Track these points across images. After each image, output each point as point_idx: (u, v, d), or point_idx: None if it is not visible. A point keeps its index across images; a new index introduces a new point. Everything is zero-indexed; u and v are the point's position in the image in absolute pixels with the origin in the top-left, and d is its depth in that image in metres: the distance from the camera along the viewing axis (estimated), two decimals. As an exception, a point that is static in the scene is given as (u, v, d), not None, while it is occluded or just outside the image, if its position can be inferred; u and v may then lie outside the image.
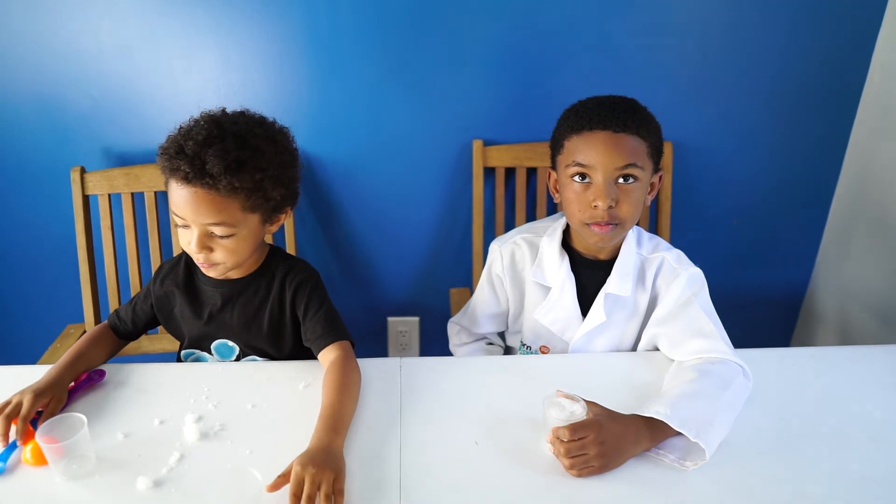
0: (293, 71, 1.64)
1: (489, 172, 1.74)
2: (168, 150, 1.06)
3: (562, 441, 0.93)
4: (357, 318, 1.97)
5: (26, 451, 0.96)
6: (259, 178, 1.07)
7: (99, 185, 1.63)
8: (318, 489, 0.86)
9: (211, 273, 1.16)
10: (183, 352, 1.27)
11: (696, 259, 1.89)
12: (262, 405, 1.08)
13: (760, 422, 1.06)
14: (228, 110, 1.13)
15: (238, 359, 1.25)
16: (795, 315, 2.08)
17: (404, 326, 1.99)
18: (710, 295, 1.91)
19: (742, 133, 1.77)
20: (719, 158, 1.80)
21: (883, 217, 1.72)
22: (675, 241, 1.82)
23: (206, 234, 1.09)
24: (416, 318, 1.99)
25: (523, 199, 1.74)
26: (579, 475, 0.93)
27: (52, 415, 1.00)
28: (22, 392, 1.03)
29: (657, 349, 1.24)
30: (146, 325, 1.28)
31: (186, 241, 1.11)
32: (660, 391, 1.10)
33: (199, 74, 1.64)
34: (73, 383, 1.11)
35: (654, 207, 1.79)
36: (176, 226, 1.12)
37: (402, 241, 1.86)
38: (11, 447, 0.98)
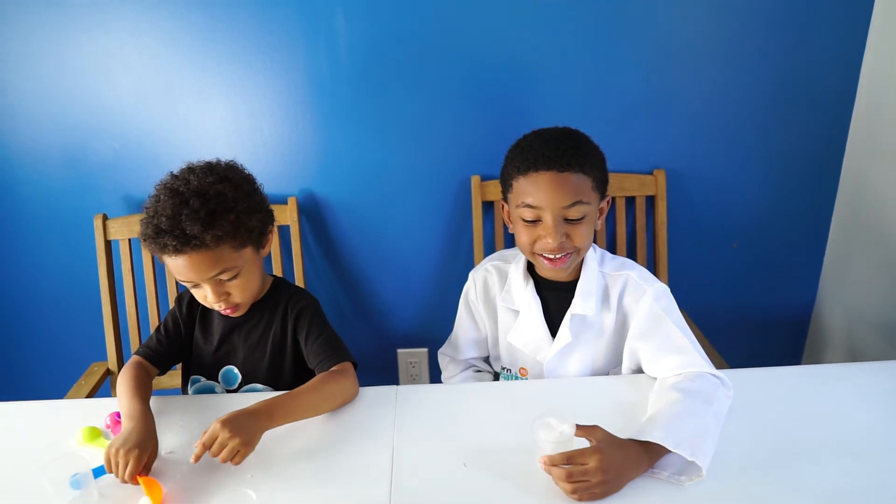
0: (298, 118, 1.74)
1: (488, 206, 1.81)
2: (149, 235, 1.12)
3: (561, 467, 0.95)
4: (368, 351, 2.03)
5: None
6: (234, 217, 1.14)
7: (120, 230, 1.74)
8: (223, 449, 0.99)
9: (237, 314, 1.25)
10: (191, 377, 1.35)
11: (697, 283, 1.95)
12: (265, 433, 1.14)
13: (752, 437, 1.09)
14: (175, 171, 1.19)
15: (240, 386, 1.32)
16: (804, 335, 2.08)
17: (413, 357, 2.05)
18: (714, 317, 1.96)
19: (736, 157, 1.81)
20: (714, 183, 1.84)
21: (882, 232, 1.72)
22: (675, 267, 1.88)
23: (217, 283, 1.17)
24: (425, 349, 2.04)
25: (522, 230, 1.80)
26: (580, 499, 0.96)
27: (150, 466, 1.05)
28: (124, 452, 1.02)
29: (640, 365, 1.26)
30: (179, 349, 1.34)
31: (202, 296, 1.20)
32: (646, 412, 1.13)
33: (212, 124, 1.74)
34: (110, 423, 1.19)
35: (651, 234, 1.84)
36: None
37: (407, 274, 1.93)
38: (101, 471, 1.04)
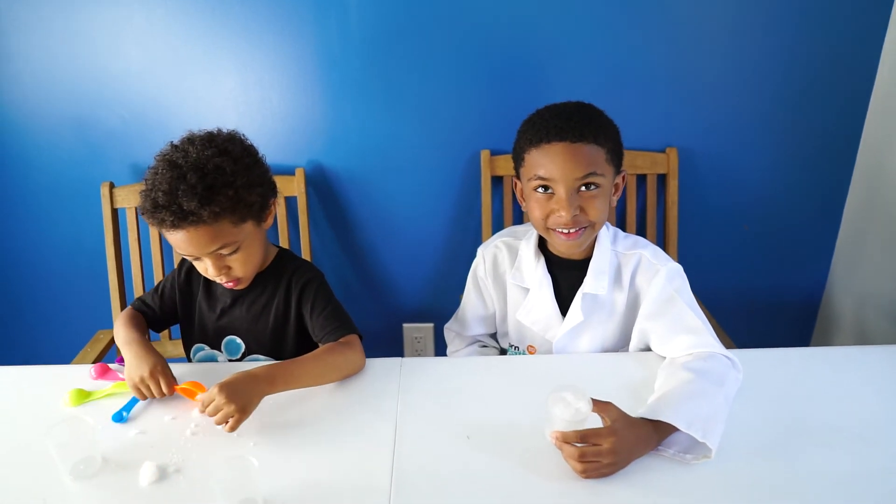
0: (308, 89, 1.72)
1: (497, 181, 1.79)
2: (147, 209, 1.10)
3: (574, 446, 0.95)
4: (373, 325, 2.03)
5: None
6: (232, 193, 1.11)
7: (126, 198, 1.73)
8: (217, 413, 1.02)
9: (239, 286, 1.24)
10: (194, 346, 1.35)
11: (707, 264, 1.93)
12: (267, 402, 1.13)
13: (758, 417, 1.08)
14: (176, 141, 1.16)
15: (243, 356, 1.32)
16: (813, 318, 2.06)
17: (419, 332, 2.04)
18: (723, 299, 1.94)
19: (749, 137, 1.78)
20: (727, 163, 1.81)
21: (897, 217, 1.70)
22: (684, 248, 1.86)
23: (217, 257, 1.16)
24: (431, 325, 2.04)
25: (531, 207, 1.78)
26: (588, 478, 0.95)
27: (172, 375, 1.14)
28: (149, 374, 1.12)
29: (648, 346, 1.25)
30: (172, 314, 1.35)
31: (203, 269, 1.19)
32: (655, 389, 1.12)
33: (221, 94, 1.73)
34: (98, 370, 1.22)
35: (661, 214, 1.81)
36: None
37: (415, 249, 1.92)
38: (134, 401, 1.13)
